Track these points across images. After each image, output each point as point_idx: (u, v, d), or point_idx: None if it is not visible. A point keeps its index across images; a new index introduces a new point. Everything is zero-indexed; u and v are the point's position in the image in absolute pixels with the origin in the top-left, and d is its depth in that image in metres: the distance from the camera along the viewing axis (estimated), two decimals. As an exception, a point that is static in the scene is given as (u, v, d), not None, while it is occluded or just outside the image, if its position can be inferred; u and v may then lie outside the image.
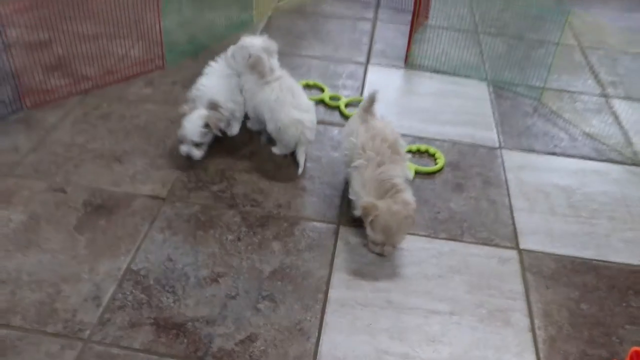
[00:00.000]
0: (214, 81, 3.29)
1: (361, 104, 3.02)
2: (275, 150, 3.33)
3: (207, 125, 3.11)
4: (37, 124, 3.45)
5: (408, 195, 2.70)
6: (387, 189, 2.67)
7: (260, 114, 3.30)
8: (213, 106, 3.19)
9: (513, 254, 2.83)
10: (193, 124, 3.10)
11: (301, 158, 3.22)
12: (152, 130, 3.46)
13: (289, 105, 3.16)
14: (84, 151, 3.26)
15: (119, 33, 4.34)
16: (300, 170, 3.21)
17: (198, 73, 3.37)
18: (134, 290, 2.50)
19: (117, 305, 2.43)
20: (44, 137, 3.35)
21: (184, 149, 3.15)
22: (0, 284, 2.48)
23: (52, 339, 2.28)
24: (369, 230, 2.67)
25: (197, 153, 3.17)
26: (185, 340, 2.32)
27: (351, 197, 2.85)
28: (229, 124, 3.38)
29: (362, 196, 2.70)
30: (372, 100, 2.96)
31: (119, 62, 4.03)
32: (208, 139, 3.19)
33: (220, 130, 3.23)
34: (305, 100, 3.26)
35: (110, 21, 4.09)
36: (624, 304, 2.63)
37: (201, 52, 4.29)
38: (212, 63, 3.41)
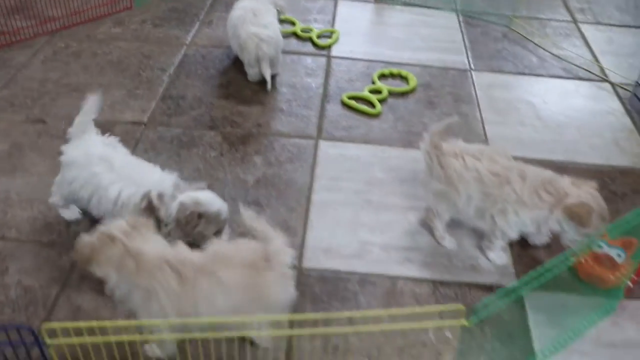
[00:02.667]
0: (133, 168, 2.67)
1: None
2: (249, 77, 3.78)
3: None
4: (5, 63, 3.84)
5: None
6: (553, 185, 2.57)
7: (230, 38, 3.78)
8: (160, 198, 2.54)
9: (485, 160, 3.32)
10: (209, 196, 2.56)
11: (266, 73, 3.62)
12: (126, 65, 3.88)
13: (249, 23, 3.61)
14: (59, 86, 3.66)
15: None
16: (268, 86, 3.63)
17: (167, 10, 3.75)
18: (125, 201, 2.92)
19: (110, 215, 2.85)
20: (14, 75, 3.74)
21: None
22: (-9, 203, 2.88)
23: (49, 248, 2.69)
24: (579, 229, 2.51)
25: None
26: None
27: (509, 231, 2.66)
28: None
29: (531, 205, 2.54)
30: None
31: (85, 3, 4.41)
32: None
33: None
34: (267, 19, 3.68)
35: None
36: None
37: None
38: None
